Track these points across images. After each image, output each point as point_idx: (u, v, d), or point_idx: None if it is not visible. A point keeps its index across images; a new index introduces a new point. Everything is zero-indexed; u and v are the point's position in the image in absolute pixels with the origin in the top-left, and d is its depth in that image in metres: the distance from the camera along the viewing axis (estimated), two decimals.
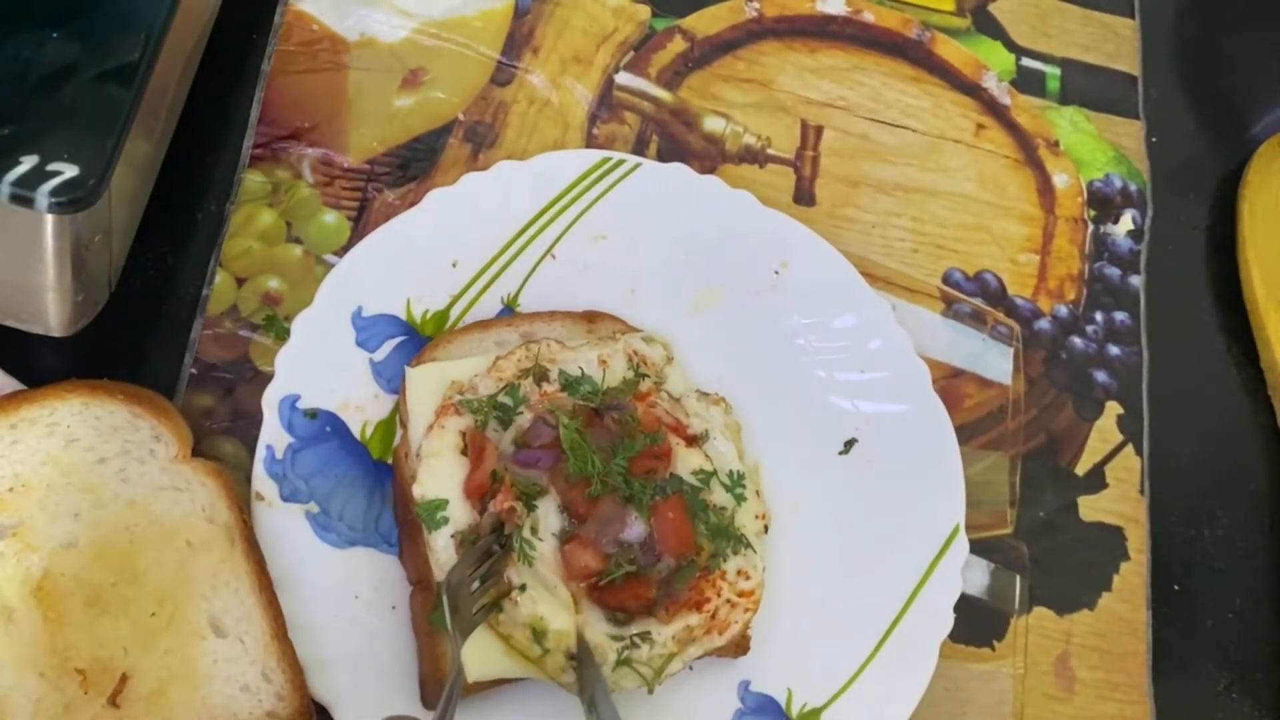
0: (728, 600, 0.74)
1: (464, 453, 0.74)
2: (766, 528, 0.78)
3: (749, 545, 0.75)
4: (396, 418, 0.79)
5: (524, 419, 0.75)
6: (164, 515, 0.72)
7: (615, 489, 0.73)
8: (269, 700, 0.70)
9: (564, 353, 0.78)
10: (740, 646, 0.76)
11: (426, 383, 0.77)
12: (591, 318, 0.82)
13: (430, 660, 0.73)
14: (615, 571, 0.72)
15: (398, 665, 0.74)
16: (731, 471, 0.77)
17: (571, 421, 0.74)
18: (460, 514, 0.73)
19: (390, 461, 0.78)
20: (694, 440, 0.77)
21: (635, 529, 0.73)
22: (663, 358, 0.80)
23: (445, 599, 0.68)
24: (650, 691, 0.73)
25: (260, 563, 0.72)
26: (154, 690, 0.69)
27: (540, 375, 0.77)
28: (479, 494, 0.73)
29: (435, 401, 0.76)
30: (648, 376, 0.79)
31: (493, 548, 0.72)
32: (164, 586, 0.70)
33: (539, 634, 0.71)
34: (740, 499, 0.77)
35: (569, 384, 0.77)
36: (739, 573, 0.75)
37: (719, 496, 0.76)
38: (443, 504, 0.73)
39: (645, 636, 0.72)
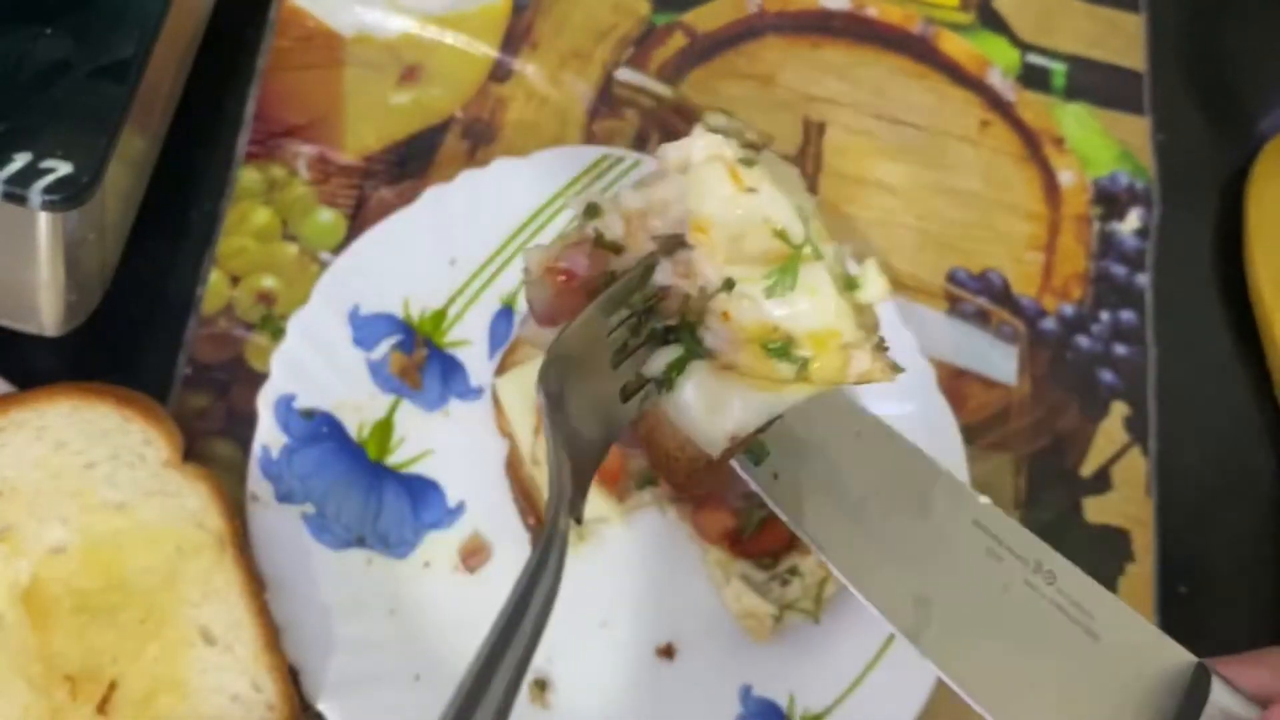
0: None
1: None
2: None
3: None
4: (393, 418, 0.79)
5: None
6: (153, 521, 0.71)
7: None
8: (259, 710, 0.69)
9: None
10: None
11: (517, 388, 0.78)
12: None
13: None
14: (751, 521, 0.76)
15: (394, 667, 0.73)
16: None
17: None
18: (596, 504, 0.76)
19: (388, 462, 0.78)
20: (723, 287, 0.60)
21: None
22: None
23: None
24: (817, 621, 0.76)
25: (251, 570, 0.72)
26: (142, 698, 0.68)
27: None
28: (614, 480, 0.75)
29: (532, 404, 0.77)
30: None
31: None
32: (153, 593, 0.70)
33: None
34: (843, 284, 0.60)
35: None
36: None
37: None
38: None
39: (793, 570, 0.76)
